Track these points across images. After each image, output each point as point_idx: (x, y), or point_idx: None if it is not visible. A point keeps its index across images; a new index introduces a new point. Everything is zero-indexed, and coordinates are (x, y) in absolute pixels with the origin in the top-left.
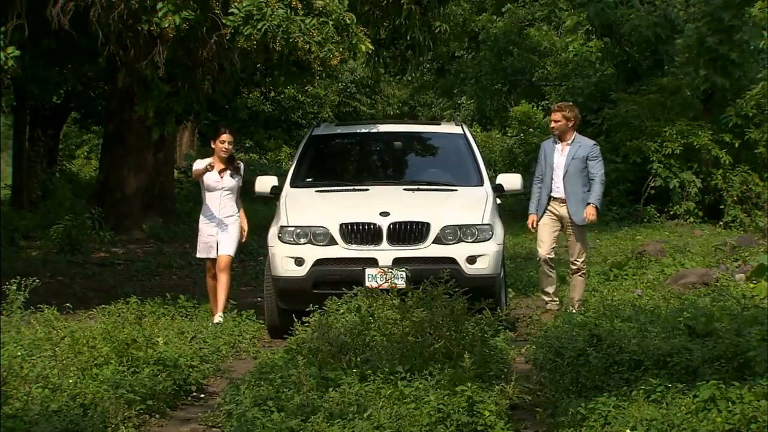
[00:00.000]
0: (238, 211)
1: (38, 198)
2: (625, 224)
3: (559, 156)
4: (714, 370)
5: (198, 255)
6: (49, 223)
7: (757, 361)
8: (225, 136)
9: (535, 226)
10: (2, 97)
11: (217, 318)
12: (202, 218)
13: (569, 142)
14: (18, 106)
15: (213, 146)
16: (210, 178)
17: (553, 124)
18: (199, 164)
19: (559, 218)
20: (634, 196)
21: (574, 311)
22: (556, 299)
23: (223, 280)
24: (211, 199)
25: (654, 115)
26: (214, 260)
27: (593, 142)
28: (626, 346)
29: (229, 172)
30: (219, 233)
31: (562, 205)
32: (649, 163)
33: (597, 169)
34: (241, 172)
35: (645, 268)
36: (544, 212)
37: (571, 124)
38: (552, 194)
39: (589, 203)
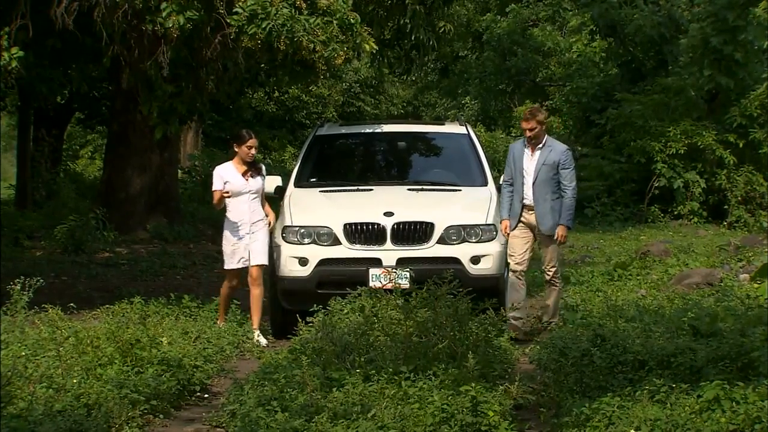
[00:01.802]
0: (265, 212)
1: (42, 198)
2: (629, 224)
3: (529, 161)
4: (718, 370)
5: (227, 266)
6: (53, 223)
7: (761, 361)
8: (251, 141)
9: (508, 231)
10: (6, 98)
11: (258, 336)
12: (229, 225)
13: (540, 145)
14: (22, 106)
15: (236, 150)
16: (236, 184)
17: (528, 133)
18: (217, 183)
19: (529, 226)
20: (638, 196)
21: (547, 324)
22: (521, 317)
23: (257, 293)
24: (239, 205)
25: (658, 116)
26: (238, 272)
27: (565, 147)
28: (630, 346)
29: (251, 173)
30: (250, 241)
31: (531, 212)
32: (653, 163)
33: (569, 180)
34: (264, 172)
35: (649, 269)
36: (518, 221)
37: (544, 128)
38: (523, 201)
39: (560, 224)
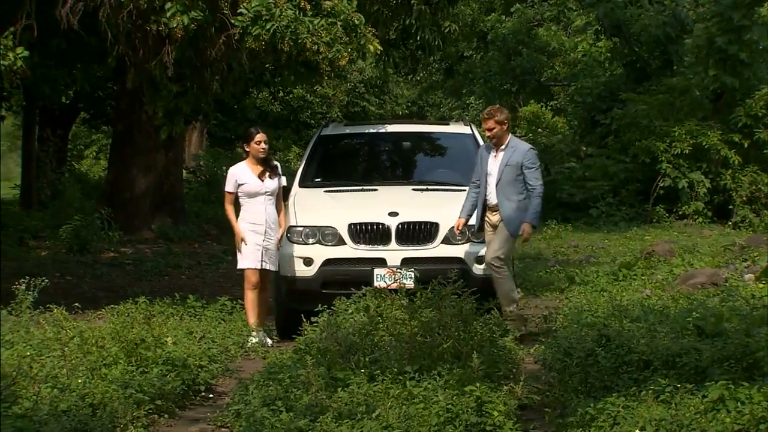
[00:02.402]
0: (279, 214)
1: (47, 198)
2: (634, 224)
3: (493, 162)
4: (723, 370)
5: (240, 265)
6: (58, 223)
7: (766, 361)
8: (259, 136)
9: (460, 228)
10: (11, 98)
11: (255, 339)
12: (246, 226)
13: (503, 146)
14: (27, 106)
15: (247, 149)
16: (251, 185)
17: (488, 133)
18: (230, 184)
19: (494, 227)
20: (643, 196)
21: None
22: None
23: (264, 298)
24: (254, 206)
25: (663, 115)
26: (256, 270)
27: (529, 146)
28: (635, 346)
29: (267, 173)
30: (265, 243)
31: (494, 213)
32: (658, 163)
33: (534, 180)
34: (279, 171)
35: (654, 269)
36: (483, 221)
37: (505, 128)
38: (487, 202)
39: (525, 221)
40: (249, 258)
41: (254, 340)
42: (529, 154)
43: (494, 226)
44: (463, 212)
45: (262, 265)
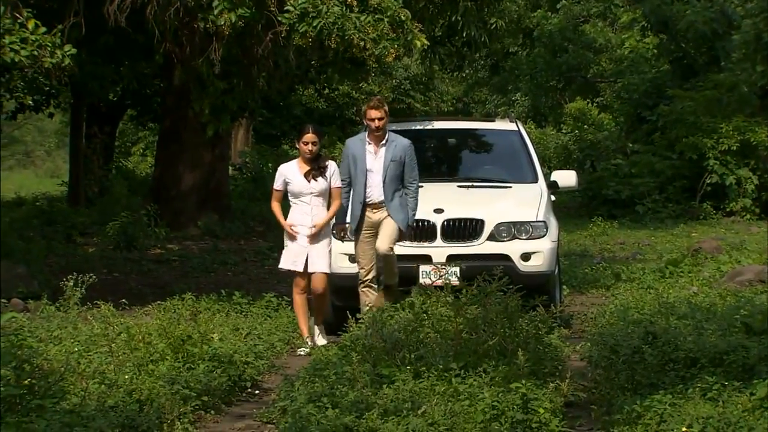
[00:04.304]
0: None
1: (94, 195)
2: (681, 221)
3: (374, 159)
4: None
5: (281, 266)
6: (106, 220)
7: None
8: (308, 136)
9: (342, 235)
10: (60, 95)
11: (307, 348)
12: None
13: (384, 141)
14: (75, 103)
15: (297, 147)
16: (296, 185)
17: (377, 123)
18: (278, 182)
19: (374, 227)
20: (689, 192)
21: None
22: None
23: (319, 303)
24: (300, 206)
25: (710, 112)
26: (301, 274)
27: (408, 141)
28: (682, 343)
29: (314, 173)
30: (310, 245)
31: (376, 210)
32: (705, 160)
33: (414, 177)
34: (330, 171)
35: (701, 266)
36: (359, 225)
37: (388, 120)
38: (367, 200)
39: (407, 224)
40: (288, 259)
41: (305, 350)
42: (410, 149)
43: (374, 225)
44: (341, 218)
45: (302, 267)
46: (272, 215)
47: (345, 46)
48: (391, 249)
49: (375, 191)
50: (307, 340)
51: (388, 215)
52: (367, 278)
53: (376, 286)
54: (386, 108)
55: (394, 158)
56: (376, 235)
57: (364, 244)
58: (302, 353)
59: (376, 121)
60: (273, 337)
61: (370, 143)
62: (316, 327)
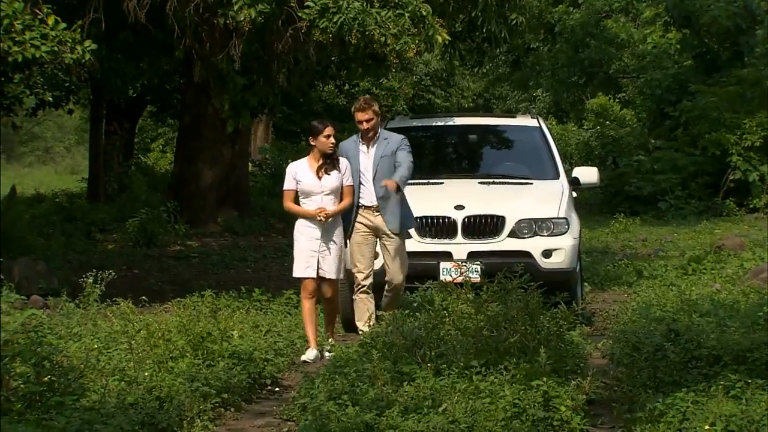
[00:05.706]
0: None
1: (114, 191)
2: (704, 218)
3: (366, 158)
4: None
5: (295, 274)
6: (125, 217)
7: None
8: (329, 129)
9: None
10: (79, 91)
11: (310, 354)
12: (300, 229)
13: (375, 139)
14: (94, 99)
15: (313, 143)
16: (306, 183)
17: (366, 125)
18: (288, 182)
19: (373, 230)
20: (712, 189)
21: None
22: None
23: (329, 309)
24: (310, 206)
25: (733, 107)
26: (313, 279)
27: (402, 136)
28: (705, 341)
29: (325, 169)
30: (321, 249)
31: (375, 213)
32: (728, 156)
33: (404, 157)
34: (343, 168)
35: (724, 263)
36: (353, 227)
37: (379, 119)
38: (362, 203)
39: (392, 179)
40: (300, 266)
41: (309, 357)
42: (403, 142)
43: (372, 229)
44: (348, 218)
45: (315, 273)
46: (290, 215)
47: (366, 42)
48: (398, 274)
49: (368, 194)
50: (314, 347)
51: (385, 222)
52: (364, 283)
53: (372, 293)
54: (375, 107)
55: (385, 154)
56: (372, 236)
57: (362, 246)
58: (308, 357)
59: (365, 123)
60: (293, 335)
61: (362, 144)
62: (327, 342)
